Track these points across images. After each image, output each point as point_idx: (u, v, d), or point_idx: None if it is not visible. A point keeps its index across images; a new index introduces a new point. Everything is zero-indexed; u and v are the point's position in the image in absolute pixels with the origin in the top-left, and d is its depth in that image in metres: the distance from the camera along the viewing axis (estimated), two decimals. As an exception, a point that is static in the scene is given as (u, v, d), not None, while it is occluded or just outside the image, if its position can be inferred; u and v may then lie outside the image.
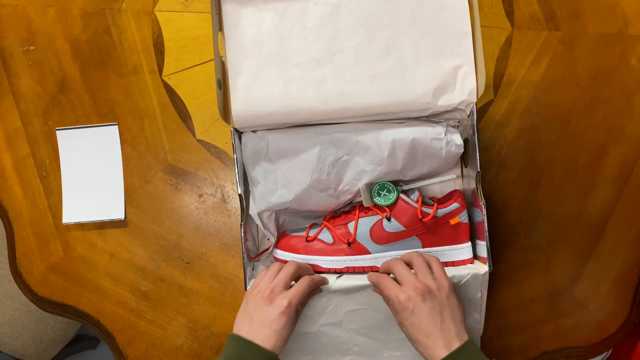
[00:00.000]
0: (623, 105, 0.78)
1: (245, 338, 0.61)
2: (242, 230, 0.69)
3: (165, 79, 0.81)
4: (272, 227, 0.73)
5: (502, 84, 0.79)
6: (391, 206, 0.69)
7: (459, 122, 0.71)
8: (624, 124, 0.78)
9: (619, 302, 0.79)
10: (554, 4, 0.79)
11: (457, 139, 0.69)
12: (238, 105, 0.67)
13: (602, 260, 0.79)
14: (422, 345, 0.60)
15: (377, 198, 0.70)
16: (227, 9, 0.67)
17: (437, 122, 0.70)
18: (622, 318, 0.79)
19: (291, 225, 0.77)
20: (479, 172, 0.67)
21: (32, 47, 0.81)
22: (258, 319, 0.61)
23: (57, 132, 0.81)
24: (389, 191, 0.70)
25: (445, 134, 0.68)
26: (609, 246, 0.78)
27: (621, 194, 0.78)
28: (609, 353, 1.17)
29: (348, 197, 0.71)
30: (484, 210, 0.66)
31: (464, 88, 0.67)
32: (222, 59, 0.69)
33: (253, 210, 0.71)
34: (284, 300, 0.61)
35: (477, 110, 0.67)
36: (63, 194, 0.81)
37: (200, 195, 0.80)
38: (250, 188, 0.73)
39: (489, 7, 0.79)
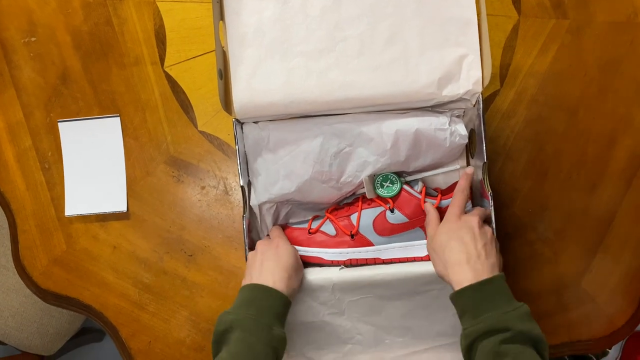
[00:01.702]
0: (632, 95, 0.77)
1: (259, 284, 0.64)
2: (245, 222, 0.68)
3: (167, 70, 0.80)
4: (269, 219, 0.72)
5: (509, 73, 0.78)
6: (394, 197, 0.68)
7: (464, 112, 0.70)
8: (633, 114, 0.77)
9: (627, 296, 0.78)
10: (561, -8, 0.78)
11: (462, 130, 0.68)
12: (240, 95, 0.66)
13: (611, 253, 0.77)
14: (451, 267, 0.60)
15: (380, 189, 0.69)
16: None
17: (442, 113, 0.69)
18: (631, 312, 0.78)
19: (294, 217, 0.76)
20: (485, 162, 0.65)
21: (33, 39, 0.81)
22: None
23: (59, 124, 0.80)
24: (392, 182, 0.69)
25: (450, 125, 0.67)
26: (617, 239, 0.77)
27: (630, 185, 0.77)
28: (620, 354, 1.17)
29: (350, 188, 0.70)
30: (491, 201, 0.65)
31: (470, 78, 0.65)
32: (224, 48, 0.68)
33: (254, 202, 0.70)
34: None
35: (483, 101, 0.66)
36: (65, 186, 0.80)
37: (203, 188, 0.80)
38: (251, 179, 0.72)
39: (495, -5, 0.78)
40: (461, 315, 0.58)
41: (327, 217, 0.71)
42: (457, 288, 0.58)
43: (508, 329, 0.54)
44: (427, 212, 0.67)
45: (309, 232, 0.71)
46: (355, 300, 0.70)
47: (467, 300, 0.57)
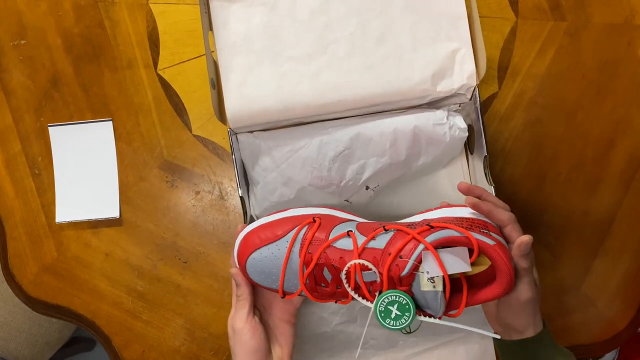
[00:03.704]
0: (631, 97, 0.77)
1: None
2: None
3: (160, 73, 0.78)
4: None
5: (507, 76, 0.77)
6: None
7: (460, 107, 0.69)
8: (632, 116, 0.77)
9: (628, 299, 0.77)
10: (559, -6, 0.77)
11: (461, 123, 0.67)
12: (232, 103, 0.65)
13: (611, 256, 0.77)
14: (526, 314, 0.58)
15: (388, 320, 0.54)
16: (215, 6, 0.66)
17: (439, 108, 0.68)
18: (631, 315, 0.78)
19: None
20: (486, 156, 0.64)
21: (22, 41, 0.79)
22: None
23: (49, 128, 0.78)
24: (401, 309, 0.54)
25: (448, 119, 0.66)
26: (617, 242, 0.77)
27: (629, 187, 0.77)
28: (616, 356, 1.16)
29: (351, 193, 0.69)
30: (493, 192, 0.64)
31: (463, 72, 0.65)
32: (214, 58, 0.67)
33: (255, 211, 0.69)
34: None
35: (481, 103, 0.65)
36: (56, 192, 0.78)
37: (198, 193, 0.78)
38: (250, 188, 0.71)
39: (492, -3, 0.77)
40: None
41: None
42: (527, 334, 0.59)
43: None
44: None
45: None
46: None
47: (532, 349, 0.59)
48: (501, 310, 0.60)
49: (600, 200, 0.77)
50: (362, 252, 0.55)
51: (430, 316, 0.54)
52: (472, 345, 0.74)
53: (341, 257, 0.56)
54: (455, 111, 0.69)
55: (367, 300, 0.55)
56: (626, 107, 0.76)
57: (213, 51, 0.68)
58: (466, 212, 0.59)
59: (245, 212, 0.68)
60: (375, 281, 0.54)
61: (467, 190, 0.60)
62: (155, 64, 0.78)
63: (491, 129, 0.77)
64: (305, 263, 0.57)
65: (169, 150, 0.78)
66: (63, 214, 0.78)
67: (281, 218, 0.62)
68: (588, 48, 0.77)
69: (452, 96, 0.67)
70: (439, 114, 0.66)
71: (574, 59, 0.77)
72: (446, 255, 0.53)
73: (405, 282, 0.53)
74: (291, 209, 0.63)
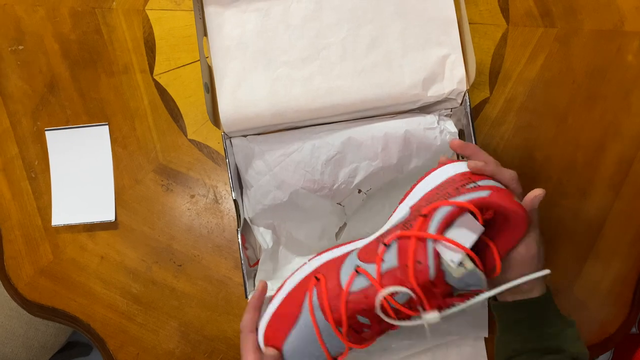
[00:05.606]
0: (620, 102, 0.78)
1: None
2: (240, 237, 0.67)
3: (156, 78, 0.79)
4: (268, 236, 0.72)
5: (498, 81, 0.78)
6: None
7: (451, 111, 0.70)
8: (621, 121, 0.77)
9: (619, 302, 0.78)
10: (549, 1, 0.78)
11: (451, 127, 0.68)
12: (225, 107, 0.66)
13: (601, 259, 0.77)
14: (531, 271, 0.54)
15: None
16: (210, 12, 0.67)
17: (429, 113, 0.69)
18: (622, 317, 0.78)
19: (296, 233, 0.73)
20: None
21: (20, 47, 0.80)
22: None
23: (46, 132, 0.79)
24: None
25: (439, 123, 0.67)
26: (608, 244, 0.77)
27: (619, 191, 0.77)
28: (611, 357, 1.16)
29: (343, 196, 0.70)
30: None
31: (453, 77, 0.66)
32: (209, 63, 0.68)
33: (248, 214, 0.70)
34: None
35: (472, 108, 0.66)
36: (52, 196, 0.79)
37: (192, 196, 0.79)
38: (244, 191, 0.72)
39: (484, 3, 0.78)
40: (514, 322, 0.58)
41: None
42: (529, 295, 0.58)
43: (561, 350, 0.55)
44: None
45: None
46: None
47: (534, 311, 0.58)
48: (506, 268, 0.56)
49: (591, 204, 0.77)
50: (382, 280, 0.51)
51: (479, 292, 0.51)
52: (465, 347, 0.75)
53: (366, 297, 0.52)
54: (446, 116, 0.70)
55: (414, 318, 0.51)
56: (615, 112, 0.77)
57: (208, 56, 0.69)
58: (443, 176, 0.57)
59: (238, 215, 0.68)
60: (411, 297, 0.51)
61: (460, 147, 0.58)
62: (152, 69, 0.79)
63: (482, 133, 0.78)
64: (337, 323, 0.53)
65: (165, 154, 0.79)
66: (59, 217, 0.79)
67: (286, 296, 0.57)
68: (578, 54, 0.78)
69: (442, 101, 0.68)
70: (430, 119, 0.67)
71: (564, 64, 0.78)
72: (455, 232, 0.50)
73: (438, 282, 0.50)
74: (288, 280, 0.58)
